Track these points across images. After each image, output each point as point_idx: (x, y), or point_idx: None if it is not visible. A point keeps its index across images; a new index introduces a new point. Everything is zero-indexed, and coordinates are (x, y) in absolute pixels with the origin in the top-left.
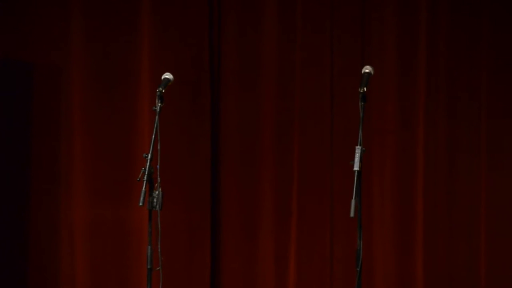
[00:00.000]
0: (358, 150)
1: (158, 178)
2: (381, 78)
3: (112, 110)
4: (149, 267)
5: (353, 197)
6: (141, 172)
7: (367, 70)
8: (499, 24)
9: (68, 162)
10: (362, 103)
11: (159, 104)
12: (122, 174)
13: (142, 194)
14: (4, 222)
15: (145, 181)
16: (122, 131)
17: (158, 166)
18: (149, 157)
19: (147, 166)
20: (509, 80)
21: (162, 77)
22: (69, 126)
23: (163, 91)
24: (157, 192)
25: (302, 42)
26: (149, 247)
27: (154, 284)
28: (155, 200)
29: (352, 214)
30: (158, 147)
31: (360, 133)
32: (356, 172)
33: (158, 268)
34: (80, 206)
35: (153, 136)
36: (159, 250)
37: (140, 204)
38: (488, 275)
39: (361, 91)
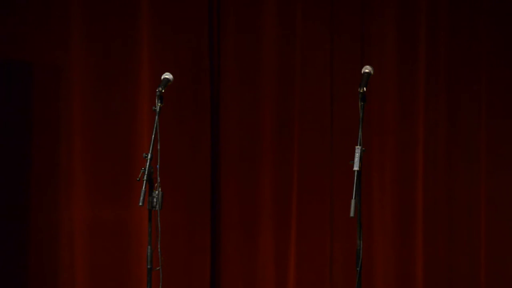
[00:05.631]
0: (358, 150)
1: (158, 178)
2: (381, 78)
3: (112, 110)
4: (149, 267)
5: (353, 197)
6: (141, 172)
7: (367, 70)
8: (499, 24)
9: (68, 162)
10: (362, 103)
11: (159, 104)
12: (122, 174)
13: (142, 194)
14: (4, 222)
15: (145, 181)
16: (122, 131)
17: (158, 166)
18: (149, 157)
19: (147, 166)
20: (509, 80)
21: (162, 77)
22: (69, 126)
23: (163, 91)
24: (157, 192)
25: (302, 42)
26: (149, 247)
27: (154, 284)
28: (155, 200)
29: (352, 214)
30: (158, 147)
31: (360, 133)
32: (356, 172)
33: (158, 268)
34: (80, 206)
35: (153, 136)
36: (159, 250)
37: (140, 204)
38: (488, 275)
39: (361, 91)
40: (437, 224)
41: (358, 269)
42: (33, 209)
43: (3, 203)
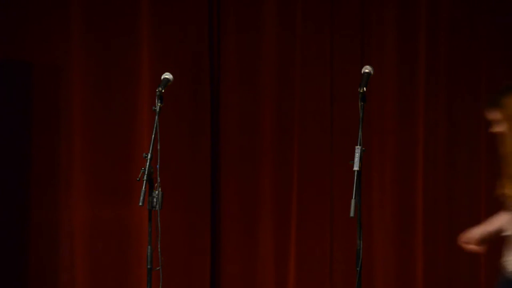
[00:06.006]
0: (358, 150)
1: (158, 178)
2: (381, 78)
3: (112, 110)
4: (149, 267)
5: (353, 197)
6: (141, 172)
7: (367, 70)
8: (499, 24)
9: (68, 162)
10: (362, 103)
11: (159, 104)
12: (122, 174)
13: (142, 194)
14: (4, 222)
15: (145, 181)
16: (122, 131)
17: (158, 166)
18: (149, 157)
19: (147, 166)
20: (509, 80)
21: (162, 77)
22: (69, 125)
23: (163, 91)
24: (157, 192)
25: (302, 42)
26: (149, 247)
27: (154, 284)
28: (155, 200)
29: (352, 214)
30: (158, 147)
31: (360, 133)
32: (356, 172)
33: (158, 268)
34: (80, 206)
35: (153, 136)
36: (159, 250)
37: (140, 204)
38: (488, 275)
39: (361, 91)
40: (437, 224)
41: (358, 269)
42: (33, 209)
43: (3, 203)
